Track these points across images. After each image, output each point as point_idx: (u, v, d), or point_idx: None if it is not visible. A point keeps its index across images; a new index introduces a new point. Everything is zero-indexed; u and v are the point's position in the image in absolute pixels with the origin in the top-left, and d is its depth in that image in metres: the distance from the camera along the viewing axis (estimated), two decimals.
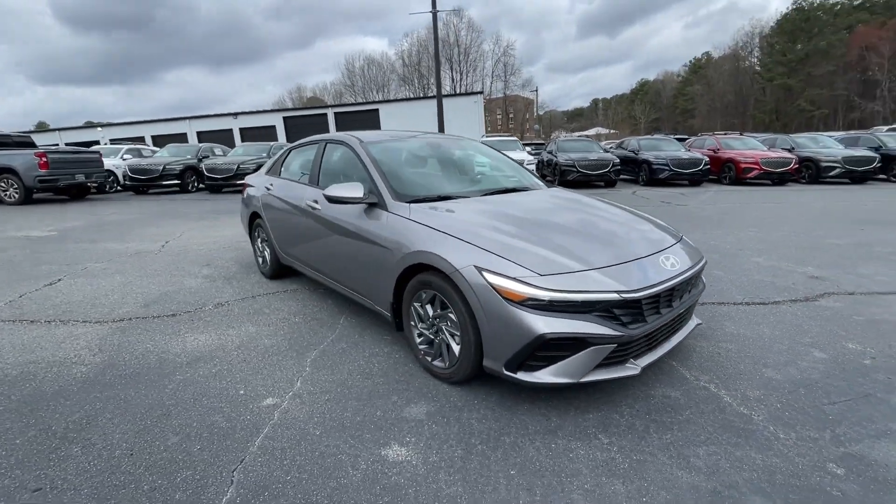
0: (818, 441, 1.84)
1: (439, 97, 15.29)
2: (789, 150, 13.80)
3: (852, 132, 19.50)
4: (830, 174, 12.77)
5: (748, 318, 3.17)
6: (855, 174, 12.74)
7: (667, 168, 12.97)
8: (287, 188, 3.86)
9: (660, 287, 2.08)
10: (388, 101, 34.72)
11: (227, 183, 13.47)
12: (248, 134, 30.65)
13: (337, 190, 2.80)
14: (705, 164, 12.90)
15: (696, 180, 13.08)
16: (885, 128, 24.06)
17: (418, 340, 2.55)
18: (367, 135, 3.41)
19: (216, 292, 4.05)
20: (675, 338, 2.35)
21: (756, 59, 63.95)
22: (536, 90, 54.06)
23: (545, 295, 1.91)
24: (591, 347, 1.93)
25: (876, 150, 13.52)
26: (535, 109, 68.33)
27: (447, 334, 2.33)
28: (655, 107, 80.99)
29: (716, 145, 14.41)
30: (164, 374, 2.58)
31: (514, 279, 1.97)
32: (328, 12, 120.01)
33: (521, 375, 2.01)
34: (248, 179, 4.84)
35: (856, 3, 55.90)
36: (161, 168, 13.44)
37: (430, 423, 2.07)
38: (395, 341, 2.94)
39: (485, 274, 2.04)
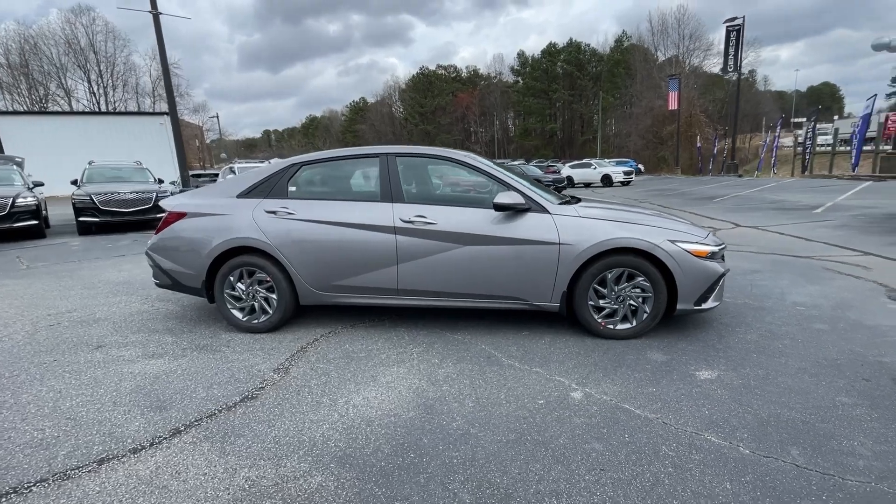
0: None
1: (174, 114, 12.29)
2: None
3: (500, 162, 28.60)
4: None
5: None
6: None
7: None
8: (338, 209, 3.22)
9: None
10: (15, 113, 24.39)
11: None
12: None
13: (506, 198, 2.95)
14: None
15: None
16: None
17: (597, 316, 3.09)
18: (454, 152, 3.41)
19: (230, 364, 2.87)
20: None
21: (401, 108, 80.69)
22: (217, 116, 49.46)
23: (715, 250, 3.03)
24: (723, 279, 3.17)
25: None
26: (205, 136, 62.00)
27: (633, 299, 3.05)
28: (329, 140, 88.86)
29: None
30: (442, 428, 2.08)
31: (698, 243, 2.99)
32: None
33: (703, 305, 3.04)
34: (189, 206, 3.42)
35: (452, 75, 79.33)
36: None
37: (681, 359, 2.77)
38: (545, 331, 3.25)
39: (678, 244, 2.95)
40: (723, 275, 3.04)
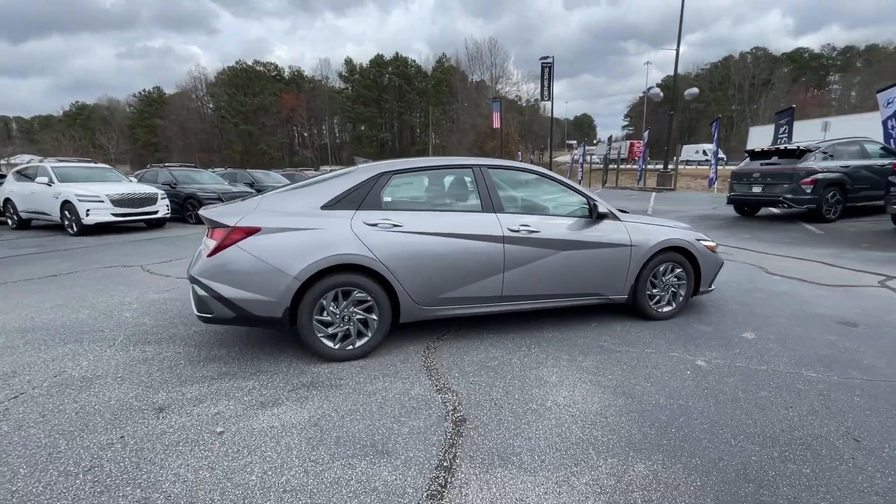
0: None
1: None
2: (251, 184, 14.78)
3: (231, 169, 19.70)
4: None
5: None
6: None
7: (220, 202, 11.55)
8: (446, 220, 3.15)
9: None
10: None
11: None
12: None
13: (603, 209, 3.43)
14: None
15: None
16: (329, 168, 33.04)
17: (652, 302, 3.80)
18: (536, 167, 3.65)
19: (376, 395, 2.60)
20: None
21: (211, 105, 71.04)
22: None
23: (716, 245, 4.07)
24: (721, 267, 4.24)
25: (251, 185, 14.79)
26: None
27: (674, 287, 3.85)
28: (114, 136, 72.06)
29: (249, 178, 15.69)
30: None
31: (709, 240, 3.97)
32: None
33: (711, 288, 4.05)
34: (263, 219, 2.81)
35: (273, 73, 73.93)
36: None
37: (721, 328, 3.66)
38: (608, 321, 3.78)
39: (701, 242, 3.88)
40: (722, 264, 4.11)
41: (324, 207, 3.00)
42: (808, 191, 8.26)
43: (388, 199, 3.17)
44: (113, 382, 2.75)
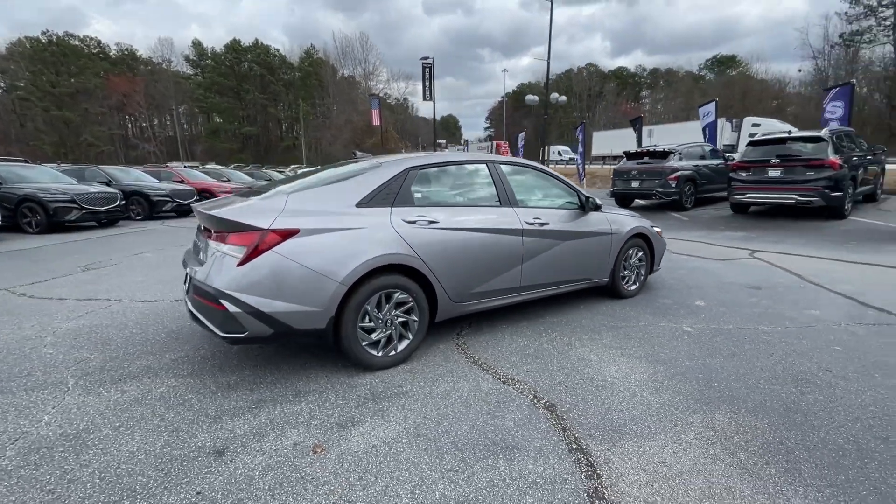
0: None
1: None
2: (108, 183, 11.95)
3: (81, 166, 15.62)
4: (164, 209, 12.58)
5: None
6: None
7: (75, 207, 9.63)
8: (475, 215, 3.16)
9: None
10: None
11: None
12: None
13: (598, 201, 3.76)
14: (122, 200, 10.61)
15: (114, 219, 10.55)
16: (181, 164, 27.82)
17: (624, 282, 4.33)
18: (538, 164, 3.84)
19: (451, 398, 2.55)
20: None
21: (3, 83, 55.94)
22: None
23: (661, 231, 4.80)
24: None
25: (108, 183, 11.93)
26: None
27: (638, 268, 4.45)
28: None
29: (104, 176, 12.42)
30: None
31: (657, 227, 4.68)
32: None
33: (658, 267, 4.78)
34: (299, 220, 2.45)
35: (95, 50, 61.56)
36: None
37: (679, 300, 4.35)
38: (592, 303, 4.20)
39: (652, 227, 4.56)
40: (666, 246, 4.88)
41: (359, 205, 2.77)
42: (674, 185, 10.15)
43: (418, 195, 3.06)
44: (114, 434, 2.16)
